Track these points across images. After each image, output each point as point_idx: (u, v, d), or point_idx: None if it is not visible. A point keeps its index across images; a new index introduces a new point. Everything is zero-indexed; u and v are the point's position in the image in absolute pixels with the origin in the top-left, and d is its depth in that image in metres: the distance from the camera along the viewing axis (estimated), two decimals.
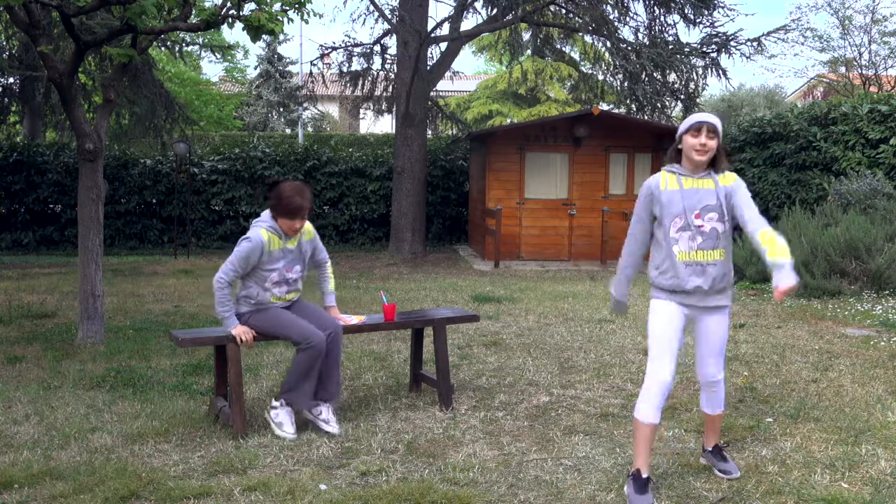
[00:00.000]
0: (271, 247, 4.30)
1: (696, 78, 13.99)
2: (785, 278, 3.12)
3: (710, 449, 3.79)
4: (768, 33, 13.92)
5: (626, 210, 12.92)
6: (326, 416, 4.32)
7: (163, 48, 14.60)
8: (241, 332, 4.26)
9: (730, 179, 3.49)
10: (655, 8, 14.00)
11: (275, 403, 4.35)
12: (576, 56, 23.22)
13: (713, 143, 3.41)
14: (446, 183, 16.51)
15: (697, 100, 14.74)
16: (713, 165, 3.48)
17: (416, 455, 3.97)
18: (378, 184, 16.11)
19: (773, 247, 3.20)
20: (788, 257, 3.16)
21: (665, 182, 3.49)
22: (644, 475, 3.40)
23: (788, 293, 3.12)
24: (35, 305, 8.36)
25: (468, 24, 15.60)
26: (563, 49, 19.29)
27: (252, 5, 5.73)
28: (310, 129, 31.51)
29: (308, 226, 4.50)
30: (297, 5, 5.78)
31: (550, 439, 4.22)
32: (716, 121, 3.44)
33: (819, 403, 4.84)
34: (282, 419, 4.30)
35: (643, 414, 3.42)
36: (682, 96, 14.24)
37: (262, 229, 4.28)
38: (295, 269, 4.45)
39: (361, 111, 17.20)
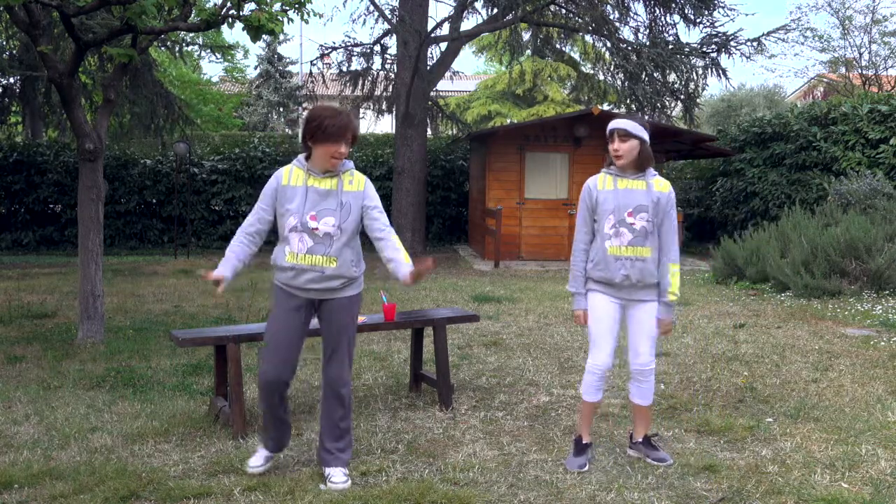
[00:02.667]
0: (290, 181, 3.58)
1: (696, 78, 14.00)
2: (668, 314, 3.82)
3: (640, 440, 3.93)
4: (768, 33, 13.93)
5: None
6: (332, 475, 3.62)
7: (163, 48, 14.60)
8: (208, 275, 3.59)
9: (665, 188, 3.79)
10: (655, 8, 14.01)
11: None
12: (576, 56, 23.22)
13: (626, 147, 3.72)
14: (446, 183, 16.51)
15: (697, 100, 14.75)
16: (642, 165, 3.77)
17: (416, 455, 3.97)
18: (378, 184, 16.08)
19: (675, 285, 3.78)
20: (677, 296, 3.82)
21: (602, 183, 3.83)
22: (584, 441, 3.87)
23: (666, 327, 3.85)
24: (35, 305, 8.36)
25: (468, 24, 15.60)
26: (563, 49, 19.29)
27: (252, 5, 5.73)
28: None
29: (359, 175, 3.67)
30: (297, 5, 5.78)
31: (550, 439, 4.22)
32: (626, 124, 3.71)
33: (819, 403, 4.84)
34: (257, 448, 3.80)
35: (587, 394, 3.87)
36: (682, 96, 14.25)
37: (286, 166, 3.70)
38: (325, 221, 3.52)
39: (361, 111, 17.19)
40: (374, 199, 3.67)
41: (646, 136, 3.75)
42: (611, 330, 3.79)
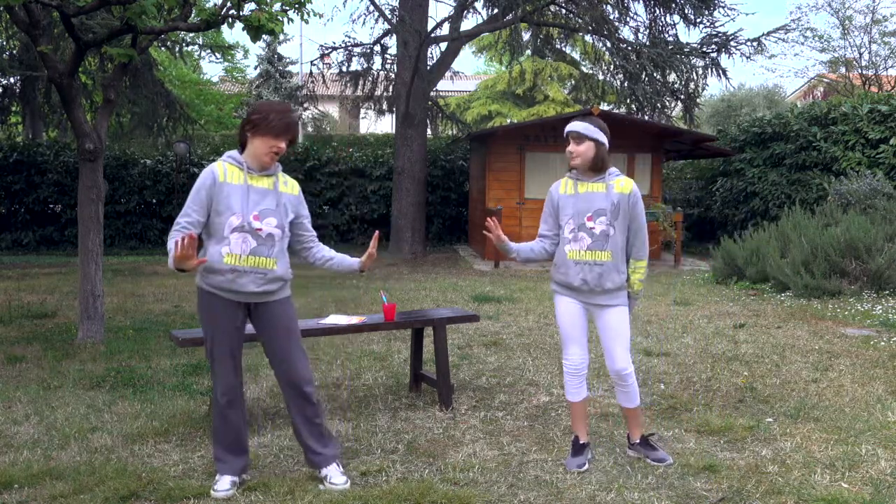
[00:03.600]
0: (227, 178, 3.40)
1: (696, 78, 14.00)
2: (632, 305, 3.90)
3: (638, 441, 3.94)
4: (768, 33, 13.93)
5: None
6: (329, 475, 3.59)
7: (163, 48, 14.60)
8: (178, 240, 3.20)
9: (626, 188, 3.77)
10: (655, 8, 14.01)
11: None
12: (576, 56, 23.21)
13: (581, 149, 3.72)
14: (446, 183, 16.51)
15: (697, 100, 14.75)
16: (600, 167, 3.75)
17: (416, 455, 3.97)
18: (378, 184, 16.11)
19: (635, 280, 3.82)
20: (640, 289, 3.89)
21: (564, 187, 3.84)
22: (581, 441, 3.89)
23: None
24: (35, 305, 8.36)
25: (468, 24, 15.61)
26: (564, 49, 19.28)
27: (252, 5, 5.73)
28: (310, 129, 31.51)
29: (291, 179, 3.64)
30: (297, 5, 5.78)
31: (550, 439, 4.22)
32: (579, 126, 3.71)
33: (819, 403, 4.84)
34: (218, 475, 3.57)
35: (570, 394, 3.93)
36: (682, 96, 14.25)
37: (217, 162, 3.47)
38: (267, 222, 3.42)
39: (362, 111, 17.21)
40: (306, 207, 3.67)
41: (601, 138, 3.73)
42: (576, 328, 3.86)
